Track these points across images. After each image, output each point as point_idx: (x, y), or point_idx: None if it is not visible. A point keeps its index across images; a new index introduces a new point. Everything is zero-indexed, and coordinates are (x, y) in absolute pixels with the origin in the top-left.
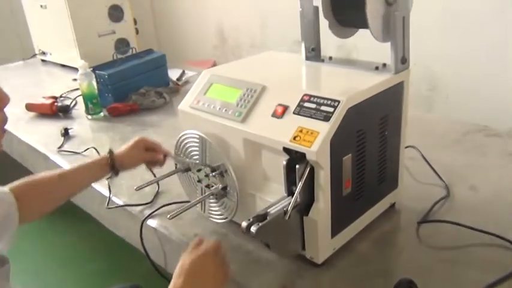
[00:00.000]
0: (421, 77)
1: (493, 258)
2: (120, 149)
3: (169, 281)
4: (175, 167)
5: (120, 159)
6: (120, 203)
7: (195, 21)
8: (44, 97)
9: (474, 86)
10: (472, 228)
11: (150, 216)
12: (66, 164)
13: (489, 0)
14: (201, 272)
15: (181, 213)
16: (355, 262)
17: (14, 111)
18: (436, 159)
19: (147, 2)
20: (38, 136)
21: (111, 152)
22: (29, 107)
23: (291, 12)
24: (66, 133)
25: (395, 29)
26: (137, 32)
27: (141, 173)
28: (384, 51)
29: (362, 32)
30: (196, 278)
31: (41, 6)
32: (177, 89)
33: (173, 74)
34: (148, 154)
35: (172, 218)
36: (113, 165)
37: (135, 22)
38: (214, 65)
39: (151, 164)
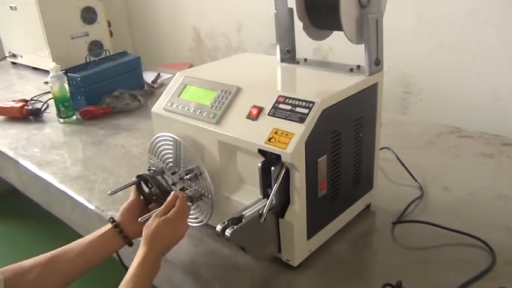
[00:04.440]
0: (396, 80)
1: (467, 257)
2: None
3: None
4: (149, 170)
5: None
6: (93, 208)
7: (171, 23)
8: (13, 100)
9: (447, 90)
10: (445, 228)
11: None
12: (37, 169)
13: (461, 6)
14: (160, 237)
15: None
16: (331, 264)
17: None
18: (411, 160)
19: (122, 4)
20: (7, 140)
21: (113, 220)
22: None
23: (267, 15)
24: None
25: (368, 31)
26: (111, 34)
27: (113, 177)
28: (359, 54)
29: (338, 35)
30: (158, 244)
31: (11, 7)
32: (152, 91)
33: (149, 76)
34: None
35: (143, 220)
36: (124, 235)
37: (109, 24)
38: (191, 67)
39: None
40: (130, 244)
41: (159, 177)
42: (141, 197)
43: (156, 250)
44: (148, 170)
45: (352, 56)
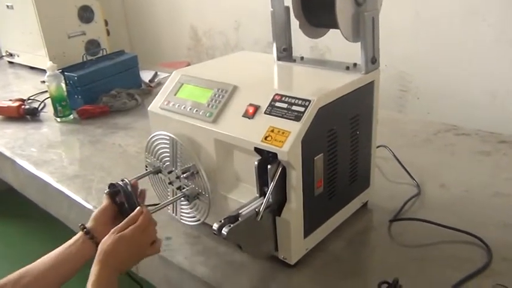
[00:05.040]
0: (393, 78)
1: (463, 255)
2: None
3: (140, 285)
4: (146, 169)
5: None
6: (90, 207)
7: (169, 22)
8: (10, 100)
9: (444, 88)
10: (442, 225)
11: None
12: (34, 169)
13: (459, 4)
14: (115, 255)
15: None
16: (328, 262)
17: None
18: (408, 158)
19: (119, 3)
20: (4, 140)
21: (83, 226)
22: None
23: (265, 14)
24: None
25: (365, 29)
26: (108, 33)
27: (110, 176)
28: (357, 52)
29: (335, 33)
30: (112, 262)
31: (7, 6)
32: (150, 90)
33: (146, 75)
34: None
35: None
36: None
37: (106, 23)
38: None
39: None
40: None
41: (129, 190)
42: (114, 204)
43: (110, 268)
44: (122, 181)
45: (350, 54)
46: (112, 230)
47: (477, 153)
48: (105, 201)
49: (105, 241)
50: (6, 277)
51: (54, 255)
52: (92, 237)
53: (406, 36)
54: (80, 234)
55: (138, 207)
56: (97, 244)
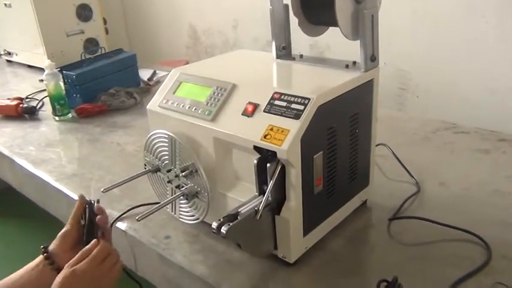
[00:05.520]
0: (393, 76)
1: (463, 253)
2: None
3: (139, 284)
4: (145, 168)
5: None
6: None
7: (168, 20)
8: (9, 98)
9: (443, 86)
10: (442, 224)
11: (118, 218)
12: (32, 168)
13: (457, 1)
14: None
15: (150, 214)
16: (327, 260)
17: None
18: (407, 156)
19: (118, 1)
20: (2, 139)
21: (45, 250)
22: None
23: (264, 12)
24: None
25: (364, 27)
26: (107, 31)
27: (109, 175)
28: (357, 50)
29: (335, 31)
30: None
31: (5, 4)
32: (148, 89)
33: (144, 74)
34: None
35: (141, 219)
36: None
37: (105, 22)
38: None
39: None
40: None
41: (95, 210)
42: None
43: None
44: (97, 200)
45: (350, 52)
46: (67, 264)
47: (476, 151)
48: (70, 221)
49: (60, 274)
50: None
51: (15, 278)
52: (52, 263)
53: (405, 34)
54: (40, 258)
55: (94, 240)
56: (58, 270)
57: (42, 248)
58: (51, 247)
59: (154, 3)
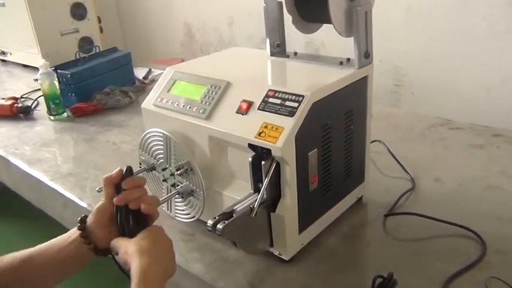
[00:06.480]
0: (387, 73)
1: (458, 248)
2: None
3: None
4: (140, 166)
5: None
6: (85, 205)
7: (162, 18)
8: (3, 98)
9: (438, 82)
10: (437, 219)
11: None
12: (27, 167)
13: None
14: (160, 245)
15: None
16: (323, 257)
17: None
18: (402, 152)
19: (112, 0)
20: None
21: (82, 222)
22: None
23: (258, 9)
24: None
25: (358, 24)
26: (101, 30)
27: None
28: (352, 47)
29: (330, 28)
30: (159, 251)
31: None
32: (144, 87)
33: (139, 72)
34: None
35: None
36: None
37: (100, 20)
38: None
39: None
40: (104, 254)
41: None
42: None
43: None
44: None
45: (345, 50)
46: (135, 249)
47: (471, 146)
48: (104, 196)
49: (134, 264)
50: (12, 255)
51: (52, 253)
52: (89, 243)
53: (400, 30)
54: (76, 234)
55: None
56: (94, 249)
57: (79, 223)
58: (89, 222)
59: (148, 1)
